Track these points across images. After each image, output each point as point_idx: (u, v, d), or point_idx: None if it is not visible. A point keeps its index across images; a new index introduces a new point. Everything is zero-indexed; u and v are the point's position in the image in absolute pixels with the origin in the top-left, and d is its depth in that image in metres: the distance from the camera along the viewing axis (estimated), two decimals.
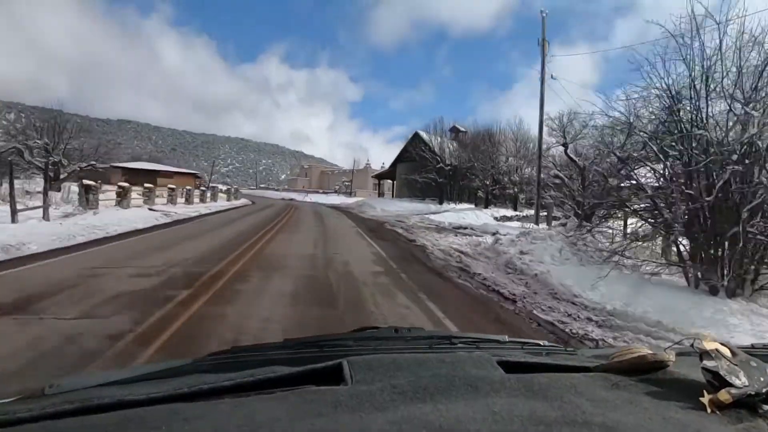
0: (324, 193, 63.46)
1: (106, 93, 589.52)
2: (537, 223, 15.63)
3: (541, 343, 1.12)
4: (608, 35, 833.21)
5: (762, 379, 0.60)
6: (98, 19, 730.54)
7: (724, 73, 5.39)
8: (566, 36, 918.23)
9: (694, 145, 5.53)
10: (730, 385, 0.59)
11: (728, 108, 5.34)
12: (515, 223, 18.01)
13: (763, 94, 5.29)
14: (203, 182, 47.77)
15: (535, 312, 5.01)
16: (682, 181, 5.74)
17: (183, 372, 0.83)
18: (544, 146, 16.27)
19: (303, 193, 56.21)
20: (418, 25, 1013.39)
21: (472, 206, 27.02)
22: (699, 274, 5.55)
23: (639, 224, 7.19)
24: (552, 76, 15.62)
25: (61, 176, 20.96)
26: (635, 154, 7.02)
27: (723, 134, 5.38)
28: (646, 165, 6.54)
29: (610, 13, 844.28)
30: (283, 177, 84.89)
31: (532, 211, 19.29)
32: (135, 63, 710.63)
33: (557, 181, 13.93)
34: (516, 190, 27.46)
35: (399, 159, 37.08)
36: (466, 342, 1.06)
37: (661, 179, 6.33)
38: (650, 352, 0.74)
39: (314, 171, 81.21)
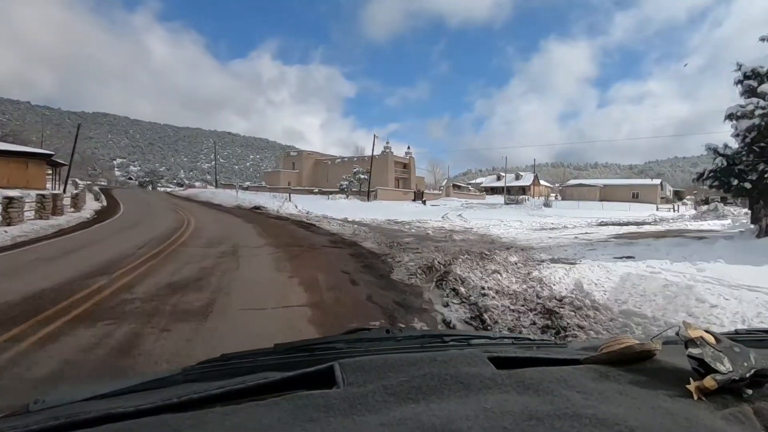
0: (321, 193, 38.64)
1: (89, 88, 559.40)
2: None
3: (532, 338, 1.10)
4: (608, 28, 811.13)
5: (745, 364, 0.61)
6: (84, 13, 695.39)
7: None
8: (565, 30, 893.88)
9: None
10: (715, 371, 0.60)
11: None
12: None
13: None
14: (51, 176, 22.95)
15: None
16: None
17: (172, 382, 0.81)
18: None
19: (280, 197, 31.40)
20: (413, 19, 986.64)
21: None
22: None
23: None
24: None
25: None
26: None
27: None
28: None
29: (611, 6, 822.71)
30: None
31: None
32: (120, 58, 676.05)
33: None
34: None
35: None
36: (457, 339, 1.04)
37: None
38: (637, 342, 0.74)
39: (306, 161, 55.53)
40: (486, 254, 8.52)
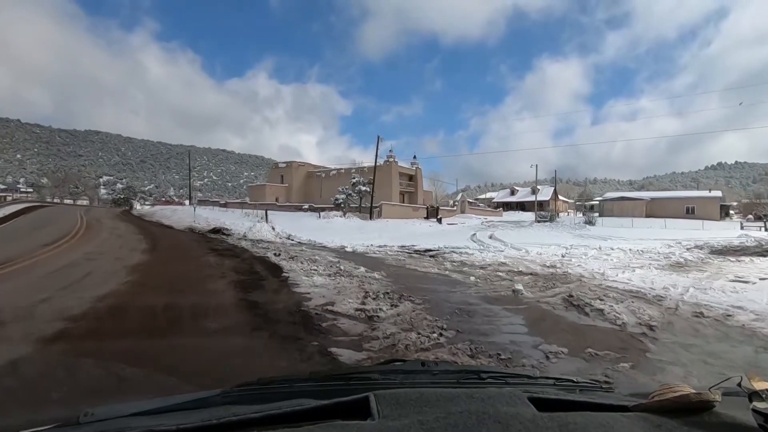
0: (312, 209, 31.53)
1: (82, 106, 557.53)
2: None
3: (575, 380, 1.07)
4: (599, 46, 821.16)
5: None
6: (79, 32, 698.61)
7: None
8: (558, 49, 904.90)
9: None
10: None
11: None
12: None
13: None
14: None
15: None
16: None
17: (211, 403, 0.83)
18: None
19: (254, 214, 24.24)
20: (406, 37, 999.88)
21: None
22: None
23: None
24: None
25: None
26: None
27: None
28: None
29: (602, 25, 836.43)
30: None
31: None
32: (115, 77, 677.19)
33: None
34: None
35: None
36: (495, 377, 1.02)
37: None
38: (693, 391, 0.68)
39: (296, 173, 48.29)
40: None
